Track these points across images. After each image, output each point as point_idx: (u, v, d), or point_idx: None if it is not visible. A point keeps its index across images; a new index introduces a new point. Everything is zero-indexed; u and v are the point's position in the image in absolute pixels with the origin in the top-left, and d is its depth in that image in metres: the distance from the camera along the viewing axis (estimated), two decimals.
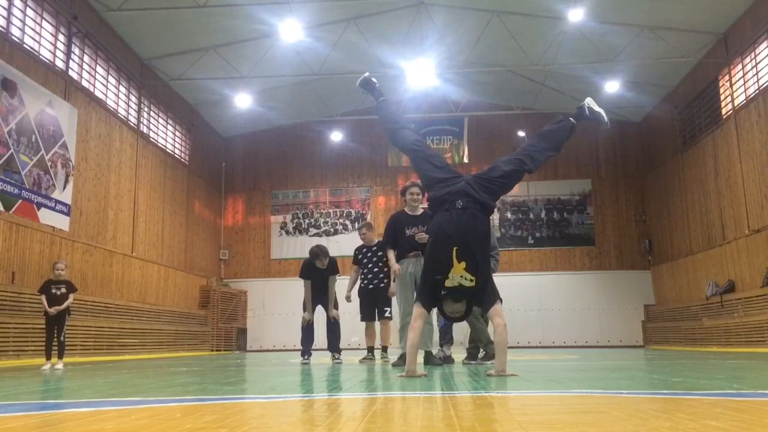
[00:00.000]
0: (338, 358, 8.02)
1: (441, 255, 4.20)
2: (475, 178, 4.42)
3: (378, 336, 8.25)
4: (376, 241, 8.17)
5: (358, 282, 8.22)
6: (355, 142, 20.16)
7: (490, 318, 4.32)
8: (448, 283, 4.16)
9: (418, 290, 4.50)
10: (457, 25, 14.92)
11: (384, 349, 8.29)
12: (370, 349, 8.16)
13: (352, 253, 8.44)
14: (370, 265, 8.05)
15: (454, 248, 4.13)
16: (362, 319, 8.14)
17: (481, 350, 7.29)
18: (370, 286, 8.03)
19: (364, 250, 8.18)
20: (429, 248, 4.42)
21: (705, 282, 15.01)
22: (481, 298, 4.28)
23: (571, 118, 4.70)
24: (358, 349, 16.10)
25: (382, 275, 8.00)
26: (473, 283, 4.16)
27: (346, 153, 20.25)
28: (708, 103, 15.14)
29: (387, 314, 8.04)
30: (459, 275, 4.14)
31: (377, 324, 8.19)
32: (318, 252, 8.00)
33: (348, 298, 8.20)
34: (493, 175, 4.43)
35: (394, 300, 7.99)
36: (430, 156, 4.66)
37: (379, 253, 7.93)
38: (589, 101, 4.79)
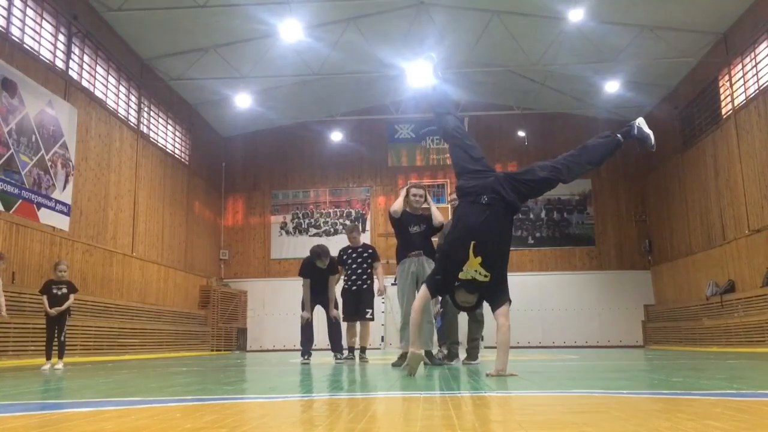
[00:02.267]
0: (340, 358, 8.03)
1: (458, 246, 4.19)
2: (507, 177, 4.39)
3: (357, 337, 8.26)
4: (362, 243, 8.33)
5: (341, 282, 8.26)
6: (355, 142, 20.14)
7: (495, 317, 4.27)
8: (461, 275, 4.16)
9: (430, 274, 4.50)
10: (457, 25, 14.92)
11: (362, 350, 8.26)
12: (350, 349, 8.19)
13: None
14: (354, 266, 8.08)
15: (472, 242, 4.13)
16: (344, 320, 8.19)
17: (444, 348, 7.09)
18: (353, 288, 8.06)
19: (349, 251, 8.21)
20: (448, 237, 4.41)
21: (705, 282, 15.00)
22: (493, 295, 4.27)
23: (618, 135, 4.58)
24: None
25: (365, 276, 8.06)
26: (487, 279, 4.15)
27: (346, 153, 20.24)
28: (708, 103, 15.13)
29: (368, 315, 8.08)
30: (474, 269, 4.13)
31: (358, 325, 8.25)
32: (320, 252, 8.02)
33: None
34: (526, 178, 4.39)
35: (376, 301, 8.09)
36: (468, 146, 4.64)
37: (364, 255, 8.10)
38: (640, 121, 4.67)
